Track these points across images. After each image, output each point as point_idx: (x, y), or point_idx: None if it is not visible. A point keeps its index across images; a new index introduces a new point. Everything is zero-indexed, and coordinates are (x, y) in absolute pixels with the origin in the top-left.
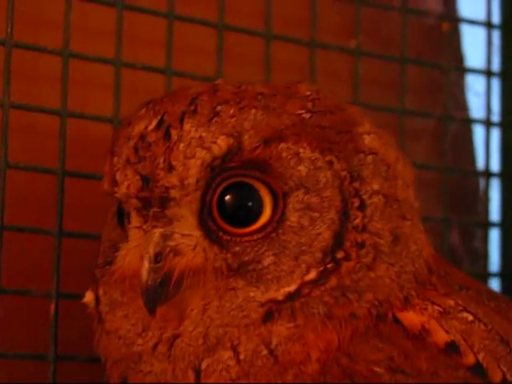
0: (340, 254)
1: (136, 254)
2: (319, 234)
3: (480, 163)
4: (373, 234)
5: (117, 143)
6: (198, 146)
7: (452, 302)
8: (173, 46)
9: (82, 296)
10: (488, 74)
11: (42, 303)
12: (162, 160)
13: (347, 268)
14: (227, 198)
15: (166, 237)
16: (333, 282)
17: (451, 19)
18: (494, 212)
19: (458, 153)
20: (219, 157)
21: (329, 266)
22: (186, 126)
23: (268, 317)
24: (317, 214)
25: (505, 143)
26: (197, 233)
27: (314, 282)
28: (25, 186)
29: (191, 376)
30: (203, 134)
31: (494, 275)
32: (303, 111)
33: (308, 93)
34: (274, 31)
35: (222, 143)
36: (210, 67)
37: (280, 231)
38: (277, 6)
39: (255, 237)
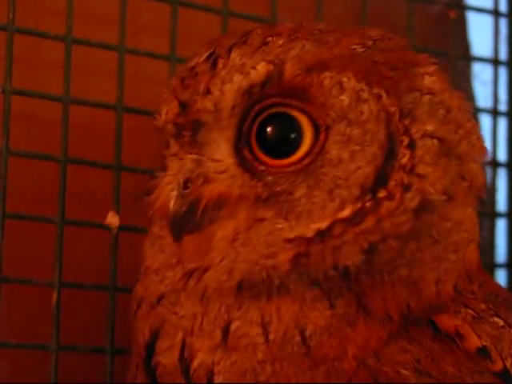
0: (382, 193)
1: (172, 183)
2: (359, 167)
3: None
4: (422, 178)
5: (173, 80)
6: (237, 72)
7: (483, 306)
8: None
9: (84, 286)
10: (495, 62)
11: (44, 292)
12: (202, 86)
13: (388, 209)
14: (269, 129)
15: (197, 162)
16: (369, 221)
17: (458, 7)
18: (501, 202)
19: None
20: (257, 83)
21: (368, 204)
22: (233, 55)
23: (296, 262)
24: (358, 147)
25: None
26: (229, 160)
27: (348, 222)
28: (27, 174)
29: (218, 334)
30: (245, 61)
31: (501, 266)
32: (359, 46)
33: (374, 34)
34: (279, 19)
35: (261, 69)
36: None
37: (318, 164)
38: None
39: (291, 168)
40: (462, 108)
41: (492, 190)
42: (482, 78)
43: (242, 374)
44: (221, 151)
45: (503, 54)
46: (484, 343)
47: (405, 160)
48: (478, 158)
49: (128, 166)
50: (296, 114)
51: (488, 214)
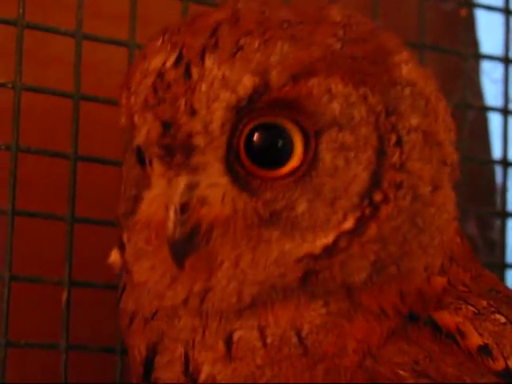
0: (378, 196)
1: (160, 203)
2: (356, 175)
3: (495, 152)
4: (411, 174)
5: (133, 79)
6: (222, 87)
7: (484, 303)
8: None
9: (94, 284)
10: (506, 61)
11: (53, 291)
12: (183, 102)
13: (386, 213)
14: (255, 138)
15: (191, 186)
16: (372, 230)
17: (469, 5)
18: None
19: (473, 141)
20: (245, 98)
21: (367, 211)
22: (208, 63)
23: (305, 279)
24: (352, 154)
25: None
26: (224, 180)
27: (352, 233)
28: (36, 171)
29: (221, 346)
30: (226, 73)
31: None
32: (334, 40)
33: (339, 18)
34: None
35: (247, 83)
36: None
37: (313, 173)
38: None
39: (287, 180)
40: (434, 92)
41: (502, 190)
42: (492, 76)
43: (242, 380)
44: (215, 172)
45: None
46: (485, 341)
47: (395, 159)
48: (452, 138)
49: None
50: (283, 121)
51: (498, 213)
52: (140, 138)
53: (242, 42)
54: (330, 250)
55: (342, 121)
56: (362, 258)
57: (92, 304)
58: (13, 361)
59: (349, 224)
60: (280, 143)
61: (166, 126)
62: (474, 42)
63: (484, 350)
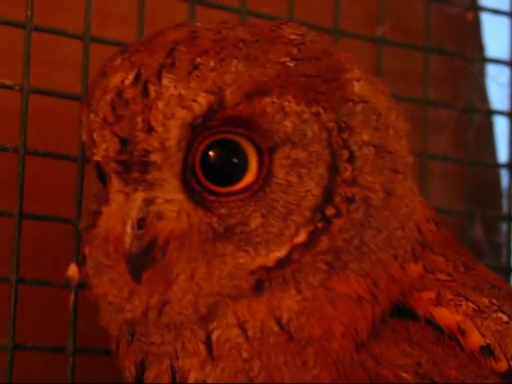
0: (330, 211)
1: (118, 218)
2: (308, 191)
3: (501, 155)
4: (363, 188)
5: (93, 96)
6: (178, 105)
7: (486, 301)
8: None
9: None
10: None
11: (60, 294)
12: (140, 120)
13: (338, 226)
14: (211, 154)
15: (148, 202)
16: (324, 243)
17: (475, 9)
18: None
19: (478, 145)
20: (200, 115)
21: (319, 224)
22: (165, 82)
23: (258, 287)
24: (305, 170)
25: None
26: (180, 196)
27: (305, 246)
28: (43, 173)
29: (202, 349)
30: (182, 92)
31: None
32: (287, 59)
33: (293, 36)
34: (298, 18)
35: (202, 101)
36: None
37: (267, 189)
38: None
39: (241, 196)
40: (385, 105)
41: (508, 194)
42: (498, 80)
43: (234, 377)
44: (171, 188)
45: None
46: (488, 341)
47: (347, 174)
48: (405, 144)
49: None
50: (238, 138)
51: (504, 217)
52: (99, 155)
53: (197, 60)
54: (282, 262)
55: (295, 138)
56: (314, 267)
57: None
58: (20, 364)
59: (301, 238)
60: (235, 159)
61: (124, 142)
62: (479, 46)
63: (486, 350)
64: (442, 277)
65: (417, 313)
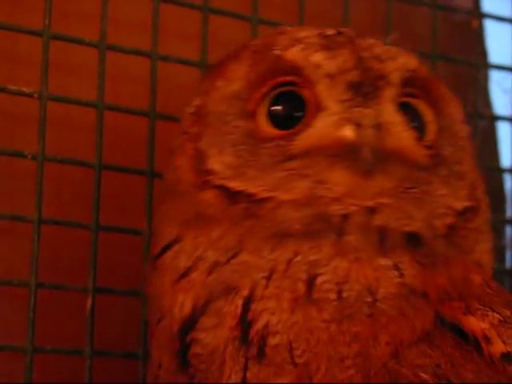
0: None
1: (342, 123)
2: (467, 172)
3: (505, 160)
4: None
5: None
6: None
7: (508, 312)
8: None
9: (118, 291)
10: None
11: (78, 298)
12: (376, 51)
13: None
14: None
15: (378, 114)
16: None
17: (478, 15)
18: None
19: (482, 150)
20: (411, 70)
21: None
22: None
23: (449, 230)
24: (463, 156)
25: None
26: (399, 118)
27: (463, 217)
28: (61, 180)
29: (301, 288)
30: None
31: None
32: None
33: None
34: (306, 25)
35: (415, 61)
36: None
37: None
38: (308, 1)
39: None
40: None
41: None
42: (502, 86)
43: (306, 333)
44: (393, 110)
45: None
46: (509, 349)
47: None
48: None
49: (161, 172)
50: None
51: (508, 221)
52: (332, 65)
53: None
54: (463, 215)
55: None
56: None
57: (115, 310)
58: (38, 367)
59: (468, 204)
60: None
61: (360, 61)
62: (483, 52)
63: (507, 357)
64: (488, 290)
65: (444, 319)
